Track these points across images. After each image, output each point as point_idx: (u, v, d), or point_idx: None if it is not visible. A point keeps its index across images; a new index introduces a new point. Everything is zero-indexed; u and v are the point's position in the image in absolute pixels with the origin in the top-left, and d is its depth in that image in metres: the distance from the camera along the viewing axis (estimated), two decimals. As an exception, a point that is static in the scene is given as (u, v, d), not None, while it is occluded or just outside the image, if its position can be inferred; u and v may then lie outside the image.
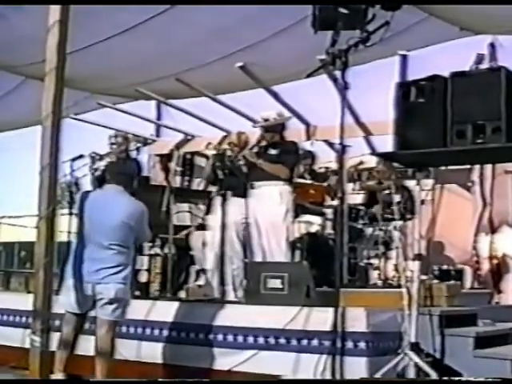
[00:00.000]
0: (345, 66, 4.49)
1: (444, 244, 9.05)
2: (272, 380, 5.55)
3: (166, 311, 6.39)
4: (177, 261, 7.77)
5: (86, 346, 5.49)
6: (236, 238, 7.05)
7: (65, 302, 5.43)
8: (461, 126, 4.71)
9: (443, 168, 6.63)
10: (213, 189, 7.63)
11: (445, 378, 4.92)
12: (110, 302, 5.34)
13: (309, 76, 4.98)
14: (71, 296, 5.37)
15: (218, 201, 7.26)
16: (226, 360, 5.90)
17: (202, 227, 7.92)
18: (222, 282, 6.91)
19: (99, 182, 7.94)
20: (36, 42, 4.89)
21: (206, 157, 9.07)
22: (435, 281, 6.82)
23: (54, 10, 4.61)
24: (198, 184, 10.46)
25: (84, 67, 7.49)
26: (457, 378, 4.95)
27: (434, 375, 4.83)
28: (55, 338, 5.09)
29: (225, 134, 9.55)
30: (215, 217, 7.20)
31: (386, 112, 5.56)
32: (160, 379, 5.98)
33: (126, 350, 6.17)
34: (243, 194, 7.10)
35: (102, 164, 7.89)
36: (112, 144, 8.01)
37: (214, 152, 7.38)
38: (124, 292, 5.41)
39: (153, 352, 6.24)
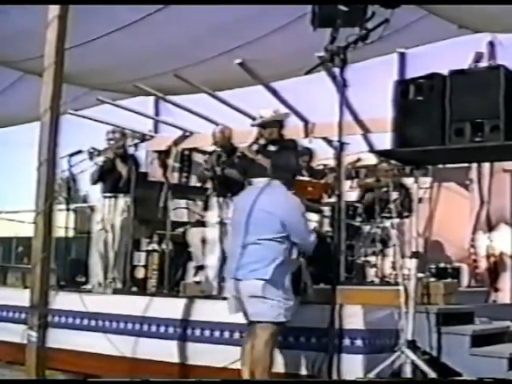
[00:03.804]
0: (343, 63, 4.48)
1: (441, 242, 9.03)
2: (272, 380, 5.53)
3: (162, 307, 6.39)
4: (174, 257, 7.76)
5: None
6: None
7: None
8: (459, 124, 4.72)
9: (441, 166, 6.63)
10: (208, 185, 7.64)
11: (446, 379, 4.92)
12: None
13: (307, 73, 4.97)
14: None
15: (214, 198, 7.29)
16: (221, 356, 5.88)
17: (199, 224, 7.91)
18: (224, 279, 6.90)
19: (99, 176, 7.98)
20: (34, 36, 4.87)
21: (204, 153, 9.07)
22: (432, 279, 6.81)
23: (54, 5, 4.60)
24: (195, 180, 10.46)
25: (83, 63, 7.47)
26: (455, 378, 4.96)
27: (430, 373, 4.83)
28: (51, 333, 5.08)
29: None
30: (213, 214, 7.22)
31: (384, 109, 5.55)
32: (156, 378, 5.97)
33: (123, 346, 6.17)
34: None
35: (100, 159, 7.89)
36: (109, 140, 8.00)
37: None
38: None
39: (149, 349, 6.25)
